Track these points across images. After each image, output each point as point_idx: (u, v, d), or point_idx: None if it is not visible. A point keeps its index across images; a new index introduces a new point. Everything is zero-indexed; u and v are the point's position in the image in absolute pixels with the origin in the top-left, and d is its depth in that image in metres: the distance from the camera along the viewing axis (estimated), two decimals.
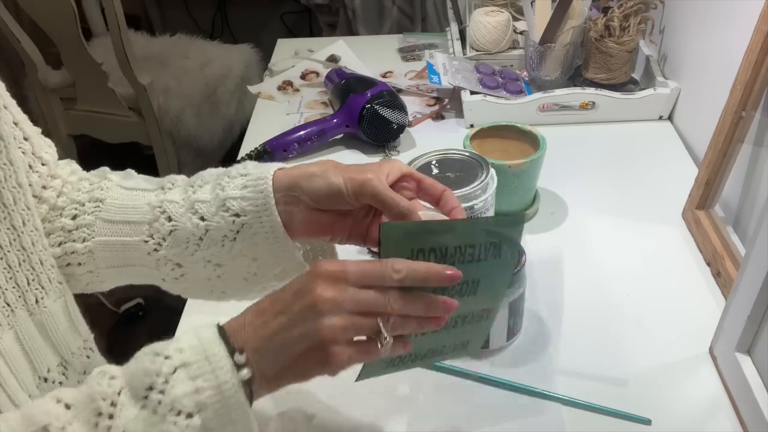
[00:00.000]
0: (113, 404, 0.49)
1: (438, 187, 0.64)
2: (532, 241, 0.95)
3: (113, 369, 0.51)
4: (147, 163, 2.07)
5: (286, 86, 1.40)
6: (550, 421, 0.73)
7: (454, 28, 1.44)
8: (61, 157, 0.70)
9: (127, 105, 2.02)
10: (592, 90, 1.20)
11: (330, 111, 1.29)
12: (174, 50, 2.28)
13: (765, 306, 0.67)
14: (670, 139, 1.17)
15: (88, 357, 0.67)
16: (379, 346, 0.52)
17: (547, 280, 0.89)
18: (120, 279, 0.69)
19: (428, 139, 1.21)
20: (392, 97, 1.17)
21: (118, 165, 0.71)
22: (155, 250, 0.64)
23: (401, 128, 1.18)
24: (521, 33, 1.36)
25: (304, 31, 2.93)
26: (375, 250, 0.92)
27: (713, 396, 0.75)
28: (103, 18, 2.08)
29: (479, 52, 1.35)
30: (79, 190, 0.67)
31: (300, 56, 1.51)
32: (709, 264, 0.91)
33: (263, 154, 1.15)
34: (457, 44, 1.38)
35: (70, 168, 0.70)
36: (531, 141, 0.99)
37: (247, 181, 0.63)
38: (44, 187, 0.66)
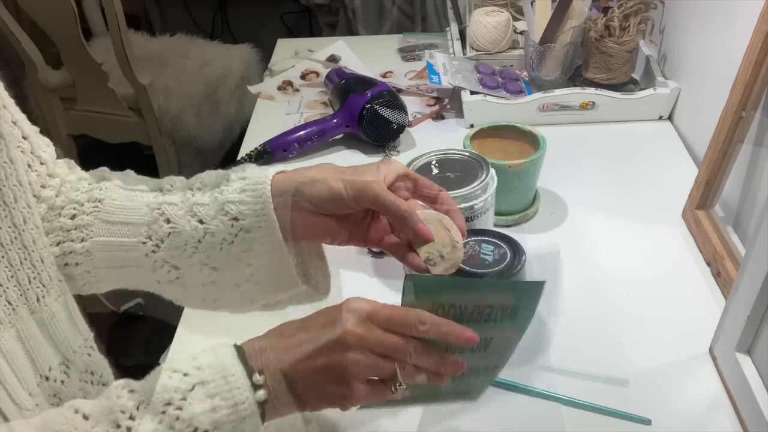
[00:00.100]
0: (131, 417, 0.50)
1: (434, 188, 0.65)
2: (532, 241, 0.96)
3: (132, 383, 0.52)
4: (147, 163, 2.07)
5: (286, 86, 1.40)
6: (550, 421, 0.73)
7: (454, 28, 1.44)
8: (61, 157, 0.70)
9: (127, 105, 2.02)
10: (592, 90, 1.20)
11: (330, 111, 1.29)
12: (174, 50, 2.27)
13: (765, 306, 0.67)
14: (670, 139, 1.17)
15: (89, 355, 0.67)
16: (393, 390, 0.54)
17: (547, 280, 0.89)
18: (116, 281, 0.69)
19: (428, 139, 1.21)
20: (392, 97, 1.17)
21: (118, 165, 0.71)
22: (153, 251, 0.64)
23: (401, 128, 1.18)
24: (521, 33, 1.36)
25: (304, 31, 2.93)
26: (375, 250, 0.92)
27: (713, 396, 0.75)
28: (103, 18, 2.08)
29: (479, 52, 1.35)
30: (78, 190, 0.67)
31: (300, 56, 1.51)
32: (709, 264, 0.91)
33: (263, 154, 1.15)
34: (457, 44, 1.38)
35: (68, 167, 0.70)
36: (531, 141, 0.99)
37: (245, 185, 0.63)
38: (43, 186, 0.65)
